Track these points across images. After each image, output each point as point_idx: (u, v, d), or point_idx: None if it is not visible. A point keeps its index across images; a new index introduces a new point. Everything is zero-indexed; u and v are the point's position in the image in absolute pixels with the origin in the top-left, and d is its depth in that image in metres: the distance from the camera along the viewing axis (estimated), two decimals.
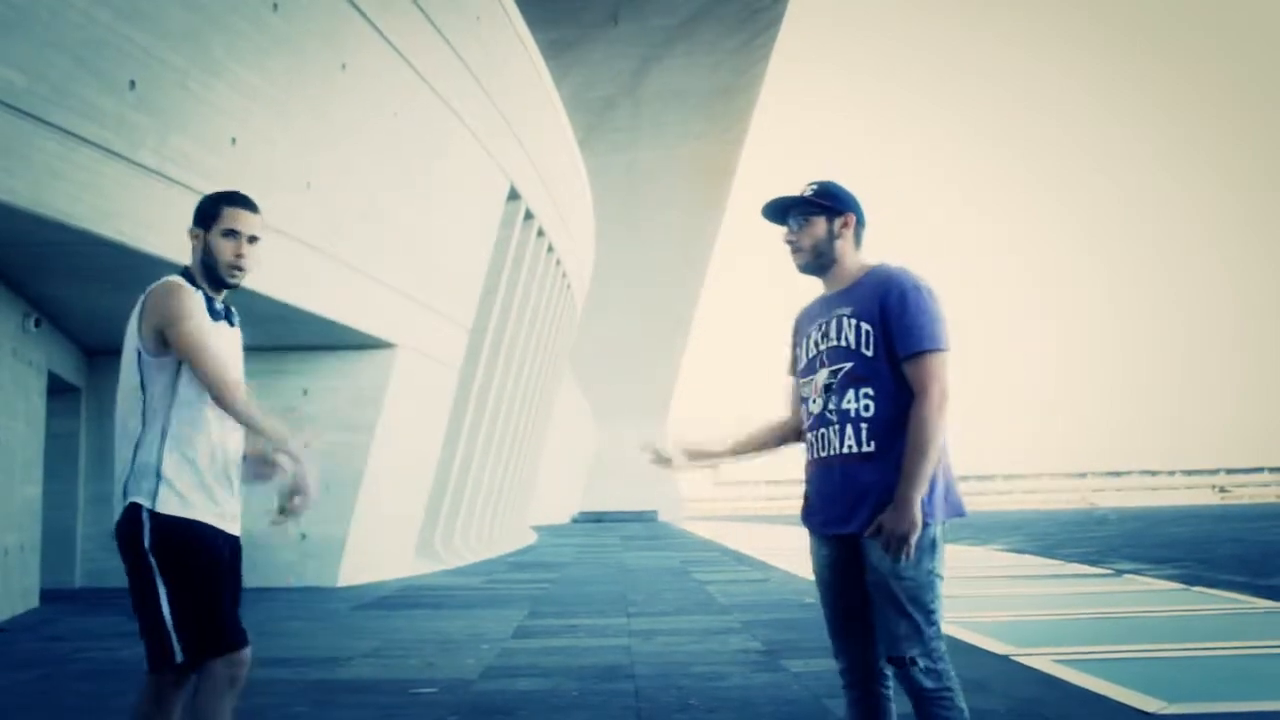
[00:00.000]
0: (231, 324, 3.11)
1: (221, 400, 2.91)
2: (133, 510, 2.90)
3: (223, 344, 3.01)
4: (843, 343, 2.90)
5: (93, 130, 7.29)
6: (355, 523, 13.00)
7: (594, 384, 57.43)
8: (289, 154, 9.85)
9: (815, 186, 3.04)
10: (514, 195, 18.08)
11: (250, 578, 3.23)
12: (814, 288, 3.13)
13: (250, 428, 2.96)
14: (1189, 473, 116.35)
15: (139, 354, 2.95)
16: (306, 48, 9.95)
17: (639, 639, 7.70)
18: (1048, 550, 18.56)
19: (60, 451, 12.01)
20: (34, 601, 10.37)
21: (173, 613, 2.87)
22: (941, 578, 2.85)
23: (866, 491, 2.83)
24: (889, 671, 2.93)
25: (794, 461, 3.07)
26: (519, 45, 17.22)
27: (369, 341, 12.82)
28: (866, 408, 2.84)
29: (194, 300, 2.98)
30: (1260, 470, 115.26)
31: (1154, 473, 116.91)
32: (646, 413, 67.01)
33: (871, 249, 3.10)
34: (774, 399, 3.22)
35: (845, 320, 2.91)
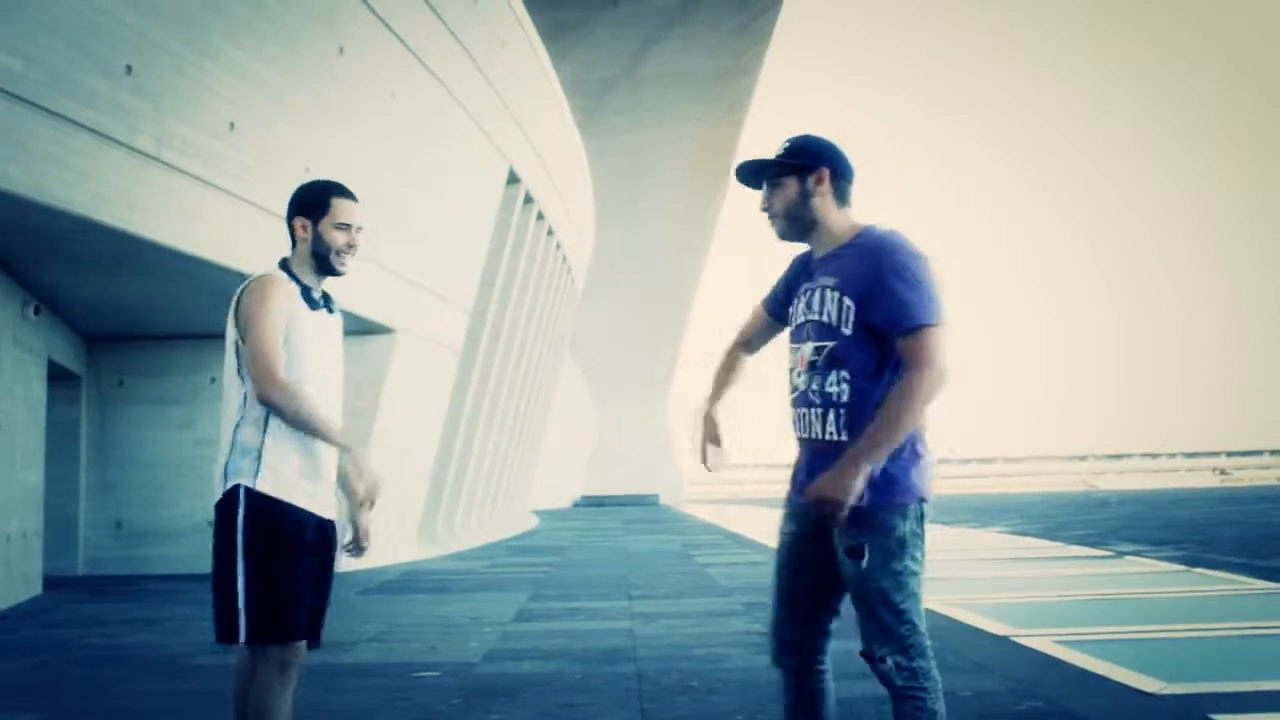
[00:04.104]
0: (330, 311, 3.24)
1: (259, 388, 2.94)
2: (232, 491, 2.97)
3: (309, 333, 3.08)
4: (825, 318, 2.71)
5: (90, 116, 7.25)
6: None
7: (595, 366, 57.44)
8: (287, 138, 9.81)
9: (786, 144, 2.79)
10: (513, 178, 18.02)
11: None
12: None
13: (297, 422, 2.97)
14: (1189, 455, 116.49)
15: (237, 344, 3.03)
16: (303, 31, 9.90)
17: (641, 622, 7.71)
18: (1049, 532, 18.58)
19: (61, 439, 11.99)
20: (36, 588, 10.39)
21: (247, 591, 2.90)
22: (916, 575, 2.66)
23: None
24: (826, 651, 2.80)
25: (793, 445, 2.98)
26: (517, 27, 17.14)
27: (369, 326, 12.80)
28: (844, 392, 2.67)
29: (280, 297, 3.04)
30: (1260, 453, 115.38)
31: (1154, 455, 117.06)
32: (648, 395, 66.98)
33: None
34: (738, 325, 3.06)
35: (829, 293, 2.71)
